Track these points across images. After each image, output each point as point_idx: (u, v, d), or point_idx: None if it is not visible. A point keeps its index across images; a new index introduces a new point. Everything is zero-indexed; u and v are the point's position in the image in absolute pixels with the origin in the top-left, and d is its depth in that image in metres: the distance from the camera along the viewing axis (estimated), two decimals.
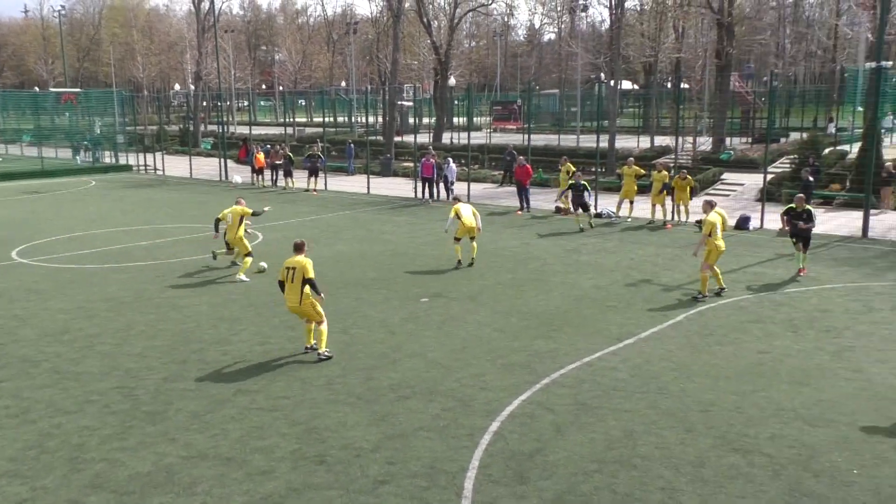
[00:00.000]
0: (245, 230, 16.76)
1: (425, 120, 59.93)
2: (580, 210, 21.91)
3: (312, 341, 11.45)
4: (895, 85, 36.15)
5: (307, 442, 8.61)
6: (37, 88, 75.79)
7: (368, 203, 28.44)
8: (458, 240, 17.42)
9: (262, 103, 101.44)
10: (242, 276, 16.16)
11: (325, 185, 32.69)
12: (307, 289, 11.09)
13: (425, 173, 28.18)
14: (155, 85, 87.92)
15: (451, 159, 30.03)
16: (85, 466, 8.13)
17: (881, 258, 17.67)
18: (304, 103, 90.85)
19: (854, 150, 29.51)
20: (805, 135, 31.62)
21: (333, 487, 7.63)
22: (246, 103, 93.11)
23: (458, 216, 17.00)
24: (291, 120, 63.73)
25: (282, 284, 11.23)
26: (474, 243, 17.46)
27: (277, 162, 33.71)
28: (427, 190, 28.36)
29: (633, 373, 10.54)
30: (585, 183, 22.08)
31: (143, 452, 8.42)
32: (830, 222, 22.48)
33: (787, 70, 57.74)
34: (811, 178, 21.46)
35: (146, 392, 10.13)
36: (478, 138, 42.82)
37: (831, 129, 38.98)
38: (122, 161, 44.46)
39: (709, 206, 14.20)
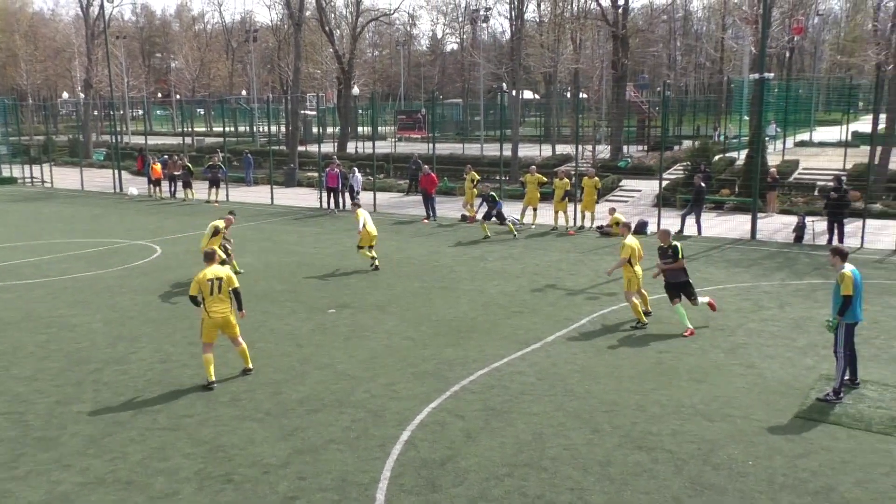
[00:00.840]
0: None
1: (329, 129, 59.50)
2: (492, 219, 22.26)
3: (213, 377, 10.59)
4: (777, 95, 38.36)
5: (213, 461, 8.36)
6: None
7: (273, 214, 27.94)
8: (360, 248, 17.77)
9: (159, 112, 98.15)
10: None
11: (227, 195, 31.93)
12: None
13: (330, 183, 27.95)
14: (41, 93, 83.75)
15: (356, 169, 29.94)
16: None
17: (769, 259, 18.70)
18: (202, 112, 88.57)
19: (742, 156, 31.16)
20: (696, 143, 33.17)
21: None
22: (141, 112, 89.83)
23: (364, 224, 17.31)
24: (190, 130, 61.98)
25: (194, 299, 10.63)
26: (373, 252, 17.87)
27: (176, 173, 32.70)
28: (332, 200, 28.13)
29: (541, 376, 10.76)
30: (494, 194, 22.47)
31: (34, 481, 7.98)
32: (722, 226, 23.62)
33: (678, 81, 60.50)
34: (703, 184, 22.50)
35: (37, 417, 9.60)
36: (382, 147, 42.84)
37: (716, 136, 41.06)
38: (6, 173, 42.05)
39: (627, 229, 13.54)
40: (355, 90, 51.96)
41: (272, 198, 30.89)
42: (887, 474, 7.86)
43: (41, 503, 7.54)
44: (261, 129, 61.65)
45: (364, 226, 17.42)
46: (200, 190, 32.35)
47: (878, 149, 25.88)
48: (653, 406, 9.66)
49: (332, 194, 28.13)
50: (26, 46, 79.24)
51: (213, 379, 10.53)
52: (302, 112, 48.39)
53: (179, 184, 32.50)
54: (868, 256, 18.33)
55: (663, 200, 24.45)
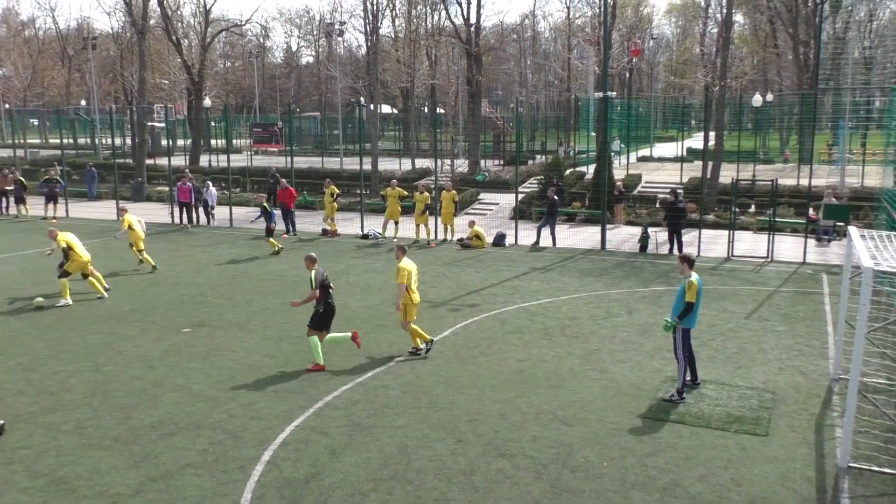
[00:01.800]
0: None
1: (180, 142, 57.14)
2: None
3: None
4: (619, 113, 40.72)
5: (54, 494, 7.77)
6: None
7: (118, 229, 26.36)
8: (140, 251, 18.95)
9: None
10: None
11: (67, 211, 29.90)
12: None
13: (182, 198, 26.84)
14: None
15: (210, 183, 28.96)
16: None
17: (617, 268, 19.74)
18: (36, 123, 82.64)
19: (591, 171, 32.77)
20: (548, 157, 34.55)
21: None
22: None
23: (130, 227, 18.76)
24: (22, 141, 57.59)
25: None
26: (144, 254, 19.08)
27: (8, 188, 30.29)
28: (185, 215, 27.02)
29: (405, 389, 10.79)
30: (267, 205, 22.78)
31: None
32: (574, 237, 24.71)
33: (530, 97, 62.88)
34: (556, 197, 23.46)
35: None
36: (238, 161, 41.63)
37: (563, 151, 43.04)
38: None
39: (401, 251, 12.37)
40: (207, 102, 50.17)
41: (118, 213, 29.17)
42: (725, 468, 8.47)
43: None
44: (104, 141, 58.29)
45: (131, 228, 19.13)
46: (36, 206, 30.09)
47: (710, 164, 28.03)
48: (514, 413, 9.92)
49: (184, 209, 27.02)
50: None
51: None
52: (149, 124, 46.24)
53: (11, 199, 30.13)
54: (703, 264, 19.75)
55: (520, 213, 25.26)
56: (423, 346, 12.30)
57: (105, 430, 9.34)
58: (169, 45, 50.57)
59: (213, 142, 54.66)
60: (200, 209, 27.42)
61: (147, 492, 7.82)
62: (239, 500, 7.65)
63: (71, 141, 62.77)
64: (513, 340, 13.15)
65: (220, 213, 28.22)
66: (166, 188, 32.72)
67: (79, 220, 28.67)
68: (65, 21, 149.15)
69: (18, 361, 11.89)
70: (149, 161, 41.36)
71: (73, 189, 34.53)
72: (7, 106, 75.41)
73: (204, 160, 46.73)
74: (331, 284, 11.97)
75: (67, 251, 15.77)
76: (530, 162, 41.34)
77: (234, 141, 49.43)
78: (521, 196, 27.00)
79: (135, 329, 13.83)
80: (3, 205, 30.56)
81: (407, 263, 12.14)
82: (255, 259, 20.92)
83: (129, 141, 53.27)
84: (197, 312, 15.01)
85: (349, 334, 12.15)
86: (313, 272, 11.68)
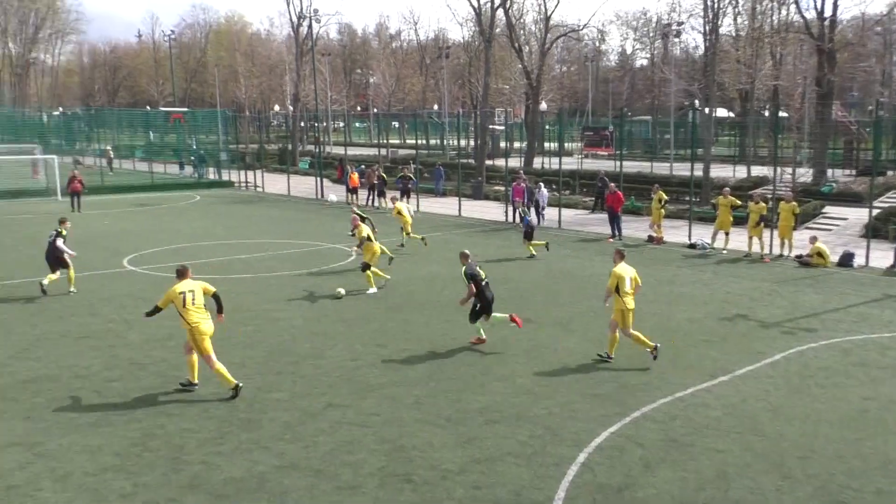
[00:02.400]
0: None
1: (516, 144, 60.07)
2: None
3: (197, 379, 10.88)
4: None
5: (395, 460, 8.68)
6: (148, 108, 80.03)
7: (460, 225, 28.63)
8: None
9: (357, 125, 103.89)
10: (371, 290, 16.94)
11: (417, 205, 33.10)
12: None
13: (516, 197, 28.18)
14: (256, 106, 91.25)
15: (542, 184, 29.97)
16: (184, 467, 8.45)
17: None
18: (397, 125, 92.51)
19: None
20: None
21: None
22: (342, 124, 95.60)
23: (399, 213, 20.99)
24: (385, 141, 64.99)
25: (156, 311, 10.84)
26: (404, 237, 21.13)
27: (374, 182, 34.42)
28: (518, 214, 28.34)
29: (728, 411, 10.18)
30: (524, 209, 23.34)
31: (237, 458, 8.68)
32: None
33: (894, 99, 55.09)
34: None
35: (242, 400, 10.45)
36: (569, 164, 42.56)
37: None
38: (225, 177, 46.33)
39: (618, 256, 12.39)
40: (543, 105, 52.08)
41: (460, 209, 31.65)
42: None
43: (241, 479, 8.19)
44: (450, 143, 63.42)
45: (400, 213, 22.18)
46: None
47: None
48: (854, 457, 8.83)
49: (517, 208, 28.36)
50: (245, 63, 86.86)
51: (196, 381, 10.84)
52: (490, 127, 49.28)
53: (375, 193, 34.23)
54: None
55: (873, 231, 22.35)
56: (653, 345, 12.02)
57: (439, 409, 10.20)
58: (511, 52, 53.38)
59: (546, 144, 56.62)
60: (532, 209, 28.53)
61: (471, 472, 8.39)
62: (553, 497, 7.86)
63: (424, 142, 69.37)
64: (857, 374, 11.69)
65: (550, 213, 29.10)
66: (502, 188, 34.63)
67: (425, 214, 31.58)
68: (424, 33, 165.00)
69: (372, 336, 13.48)
70: (488, 162, 44.07)
71: (423, 185, 38.03)
72: (375, 110, 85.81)
73: (537, 162, 48.56)
74: (484, 277, 12.74)
75: (365, 240, 17.16)
76: (889, 173, 36.26)
77: (566, 144, 50.64)
78: (876, 211, 23.85)
79: (465, 318, 14.84)
80: (370, 197, 34.74)
81: (621, 269, 12.02)
82: (580, 260, 21.23)
83: (472, 143, 57.32)
84: (523, 308, 15.64)
85: (507, 316, 12.83)
86: (465, 267, 12.49)
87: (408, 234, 22.81)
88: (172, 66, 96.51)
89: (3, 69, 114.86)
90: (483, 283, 12.80)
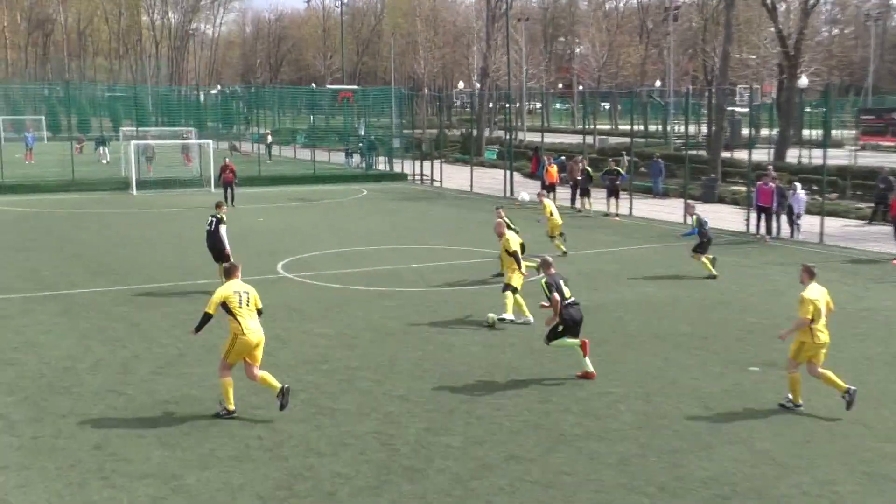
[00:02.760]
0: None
1: (764, 132, 57.46)
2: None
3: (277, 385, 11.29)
4: None
5: None
6: (313, 85, 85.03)
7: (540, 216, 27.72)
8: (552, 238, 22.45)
9: (558, 106, 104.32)
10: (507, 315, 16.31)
11: (630, 209, 32.49)
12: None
13: (762, 201, 26.79)
14: (436, 82, 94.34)
15: (798, 185, 28.42)
16: None
17: None
18: (607, 107, 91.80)
19: None
20: None
21: None
22: (538, 105, 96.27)
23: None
24: (591, 127, 64.56)
25: (206, 320, 11.48)
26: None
27: (577, 178, 33.89)
28: (764, 223, 26.96)
29: None
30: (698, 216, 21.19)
31: None
32: None
33: None
34: None
35: (406, 443, 10.64)
36: (837, 158, 40.12)
37: None
38: (397, 168, 48.05)
39: (808, 275, 11.84)
40: (803, 81, 49.39)
41: (685, 215, 30.68)
42: None
43: None
44: (675, 129, 61.87)
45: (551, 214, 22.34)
46: (598, 199, 33.34)
47: None
48: None
49: (763, 215, 27.00)
50: (426, 32, 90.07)
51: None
52: (729, 109, 47.51)
53: (577, 190, 33.88)
54: None
55: None
56: (800, 402, 11.78)
57: (650, 474, 9.81)
58: (761, 12, 51.16)
59: (805, 132, 53.71)
60: (783, 217, 27.09)
61: None
62: None
63: (641, 127, 68.18)
64: None
65: (808, 223, 27.48)
66: (743, 188, 33.20)
67: (640, 220, 30.92)
68: None
69: (568, 373, 13.29)
70: (725, 154, 42.48)
71: (638, 183, 37.13)
72: (580, 88, 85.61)
73: (792, 155, 46.19)
74: (569, 297, 13.11)
75: (511, 255, 16.46)
76: None
77: (833, 132, 47.83)
78: None
79: (693, 358, 14.29)
80: (572, 197, 34.41)
81: (813, 293, 11.62)
82: (851, 287, 19.81)
83: (703, 129, 55.54)
84: (769, 348, 14.79)
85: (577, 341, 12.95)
86: (545, 278, 13.16)
87: (551, 237, 23.38)
88: (343, 36, 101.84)
89: (161, 42, 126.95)
90: (568, 301, 13.09)
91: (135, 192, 38.32)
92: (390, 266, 22.04)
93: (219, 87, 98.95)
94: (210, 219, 18.69)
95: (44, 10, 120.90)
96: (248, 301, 11.44)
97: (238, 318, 11.29)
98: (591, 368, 13.03)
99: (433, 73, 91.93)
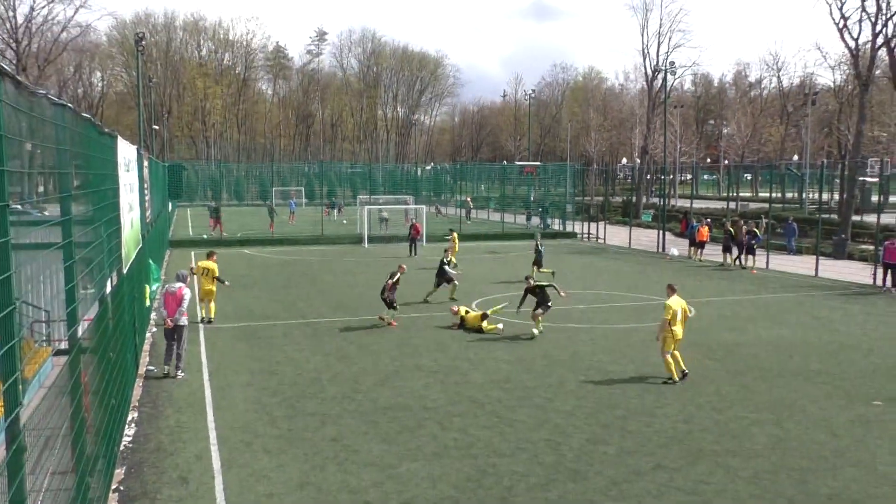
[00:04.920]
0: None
1: (893, 198, 52.78)
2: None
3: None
4: None
5: None
6: (504, 161, 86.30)
7: (815, 286, 25.93)
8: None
9: (705, 177, 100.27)
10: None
11: (767, 263, 30.74)
12: None
13: (889, 259, 24.65)
14: (604, 159, 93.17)
15: None
16: None
17: None
18: (749, 177, 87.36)
19: None
20: None
21: None
22: (689, 177, 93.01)
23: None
24: (735, 194, 61.64)
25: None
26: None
27: (742, 238, 31.13)
28: (891, 278, 24.78)
29: None
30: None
31: None
32: None
33: None
34: None
35: (570, 449, 10.57)
36: None
37: None
38: (569, 228, 47.84)
39: (670, 290, 13.90)
40: None
41: (817, 269, 28.70)
42: None
43: None
44: (810, 196, 58.00)
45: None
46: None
47: None
48: None
49: (889, 271, 24.82)
50: (597, 118, 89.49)
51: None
52: (861, 178, 44.02)
53: (737, 250, 31.60)
54: None
55: None
56: (678, 375, 13.46)
57: (780, 488, 9.26)
58: (893, 94, 47.36)
59: None
60: None
61: None
62: None
63: (778, 195, 64.38)
64: None
65: None
66: (871, 247, 30.63)
67: (775, 273, 29.18)
68: (788, 79, 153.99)
69: (708, 399, 12.76)
70: (855, 217, 39.40)
71: (775, 242, 35.15)
72: (726, 161, 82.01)
73: None
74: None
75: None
76: None
77: None
78: None
79: (821, 390, 13.35)
80: (739, 256, 31.73)
81: (673, 301, 13.44)
82: None
83: (836, 196, 51.71)
84: (892, 387, 13.61)
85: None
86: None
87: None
88: (530, 122, 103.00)
89: (391, 130, 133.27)
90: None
91: (366, 245, 40.13)
92: (561, 307, 21.92)
93: (432, 164, 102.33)
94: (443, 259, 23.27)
95: (307, 108, 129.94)
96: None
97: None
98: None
99: (602, 151, 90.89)
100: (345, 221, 53.35)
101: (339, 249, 38.55)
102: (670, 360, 13.59)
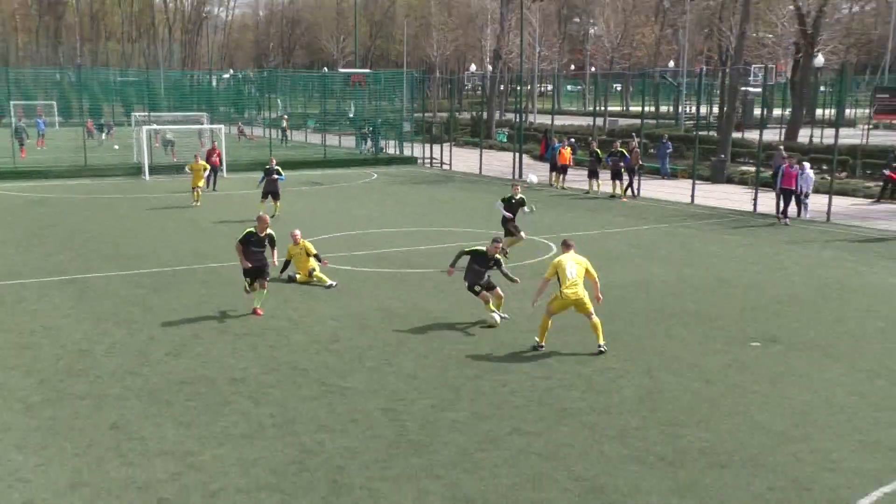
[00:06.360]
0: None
1: (776, 112, 57.35)
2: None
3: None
4: None
5: (591, 503, 8.78)
6: (325, 69, 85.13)
7: (691, 216, 27.97)
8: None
9: (569, 88, 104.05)
10: None
11: (637, 189, 32.64)
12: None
13: (786, 184, 26.24)
14: (449, 66, 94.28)
15: (807, 164, 28.47)
16: (344, 492, 9.07)
17: None
18: (619, 88, 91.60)
19: None
20: None
21: None
22: (550, 88, 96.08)
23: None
24: (603, 109, 64.51)
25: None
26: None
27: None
28: (783, 205, 26.46)
29: None
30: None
31: (405, 486, 9.18)
32: None
33: None
34: None
35: (413, 419, 10.99)
36: (850, 137, 40.08)
37: None
38: (407, 152, 48.27)
39: (564, 247, 14.02)
40: (819, 59, 49.17)
41: (693, 195, 30.87)
42: None
43: None
44: (687, 110, 61.76)
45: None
46: (607, 182, 33.48)
47: None
48: None
49: (783, 197, 26.42)
50: (440, 14, 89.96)
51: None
52: (743, 89, 47.41)
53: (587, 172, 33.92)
54: None
55: None
56: (543, 343, 13.64)
57: (650, 445, 10.15)
58: None
59: (818, 112, 53.56)
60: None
61: None
62: None
63: (652, 109, 68.01)
64: None
65: (816, 202, 27.58)
66: (752, 168, 33.29)
67: (648, 201, 31.10)
68: None
69: (573, 350, 13.61)
70: (736, 134, 42.47)
71: (646, 164, 37.13)
72: (593, 69, 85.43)
73: (804, 135, 46.12)
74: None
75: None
76: None
77: (847, 111, 47.71)
78: None
79: (695, 333, 14.59)
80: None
81: (562, 259, 13.52)
82: (855, 264, 20.02)
83: (715, 110, 55.44)
84: (770, 325, 15.11)
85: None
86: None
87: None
88: (357, 18, 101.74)
89: (174, 25, 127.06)
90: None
91: (147, 177, 38.65)
92: (399, 248, 22.36)
93: (231, 71, 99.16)
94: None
95: None
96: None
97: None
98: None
99: (446, 56, 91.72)
100: (116, 147, 50.86)
101: (112, 183, 36.94)
102: (547, 322, 13.57)
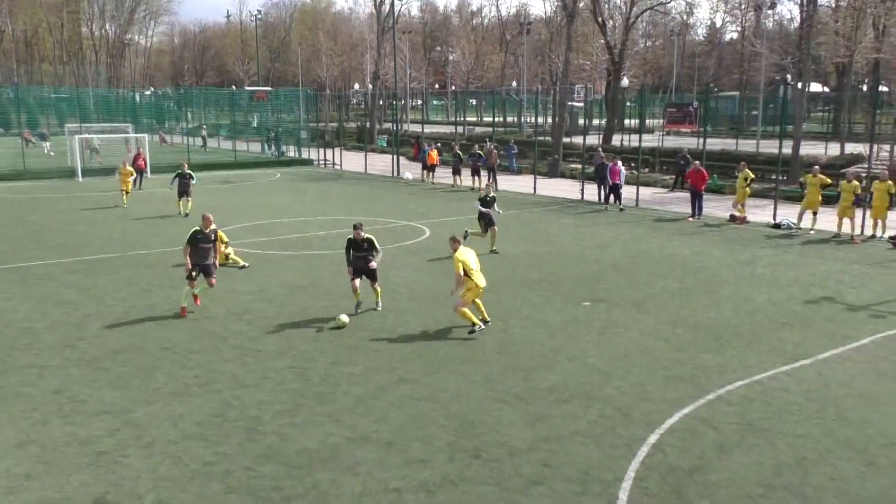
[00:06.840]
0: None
1: (595, 121, 59.04)
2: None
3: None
4: None
5: (464, 436, 8.77)
6: (234, 87, 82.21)
7: (534, 203, 28.44)
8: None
9: (435, 102, 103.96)
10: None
11: (495, 183, 32.87)
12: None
13: (613, 179, 26.56)
14: (337, 84, 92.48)
15: (619, 162, 29.34)
16: (259, 438, 8.75)
17: None
18: (474, 102, 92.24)
19: None
20: None
21: (487, 483, 7.73)
22: (419, 102, 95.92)
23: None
24: (462, 119, 64.86)
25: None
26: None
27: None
28: (610, 194, 26.93)
29: (809, 396, 9.84)
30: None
31: (311, 430, 8.93)
32: None
33: None
34: None
35: (317, 374, 10.73)
36: (649, 141, 41.53)
37: None
38: (305, 155, 47.24)
39: (454, 243, 12.73)
40: (624, 82, 50.88)
41: (535, 187, 31.43)
42: None
43: (315, 450, 8.43)
44: (528, 120, 62.85)
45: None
46: (468, 177, 33.70)
47: None
48: None
49: (604, 188, 27.03)
50: (327, 42, 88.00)
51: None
52: (569, 103, 48.51)
53: (450, 170, 34.17)
54: None
55: None
56: (477, 323, 12.43)
57: (508, 387, 10.23)
58: (594, 27, 52.30)
59: (626, 121, 55.41)
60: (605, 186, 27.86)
61: (540, 450, 8.40)
62: (622, 477, 7.80)
63: (501, 119, 68.85)
64: None
65: (628, 192, 28.50)
66: (578, 166, 34.14)
67: (500, 192, 31.41)
68: (506, 9, 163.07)
69: (445, 312, 13.58)
70: (566, 139, 43.49)
71: (500, 163, 37.51)
72: (453, 87, 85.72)
73: (616, 139, 47.64)
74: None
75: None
76: None
77: (647, 121, 49.48)
78: None
79: (540, 296, 14.82)
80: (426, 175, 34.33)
81: (461, 254, 12.41)
82: (658, 240, 20.80)
83: (549, 120, 56.60)
84: (597, 288, 15.51)
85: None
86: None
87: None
88: (258, 45, 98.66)
89: (100, 50, 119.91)
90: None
91: (80, 178, 36.44)
92: (299, 234, 21.84)
93: (152, 88, 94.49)
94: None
95: None
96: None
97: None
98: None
99: (334, 77, 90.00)
100: (52, 154, 47.69)
101: (49, 184, 34.62)
102: (466, 311, 12.32)
